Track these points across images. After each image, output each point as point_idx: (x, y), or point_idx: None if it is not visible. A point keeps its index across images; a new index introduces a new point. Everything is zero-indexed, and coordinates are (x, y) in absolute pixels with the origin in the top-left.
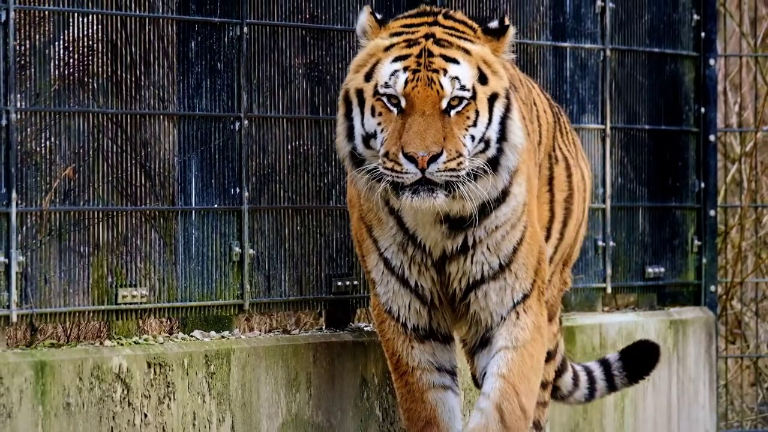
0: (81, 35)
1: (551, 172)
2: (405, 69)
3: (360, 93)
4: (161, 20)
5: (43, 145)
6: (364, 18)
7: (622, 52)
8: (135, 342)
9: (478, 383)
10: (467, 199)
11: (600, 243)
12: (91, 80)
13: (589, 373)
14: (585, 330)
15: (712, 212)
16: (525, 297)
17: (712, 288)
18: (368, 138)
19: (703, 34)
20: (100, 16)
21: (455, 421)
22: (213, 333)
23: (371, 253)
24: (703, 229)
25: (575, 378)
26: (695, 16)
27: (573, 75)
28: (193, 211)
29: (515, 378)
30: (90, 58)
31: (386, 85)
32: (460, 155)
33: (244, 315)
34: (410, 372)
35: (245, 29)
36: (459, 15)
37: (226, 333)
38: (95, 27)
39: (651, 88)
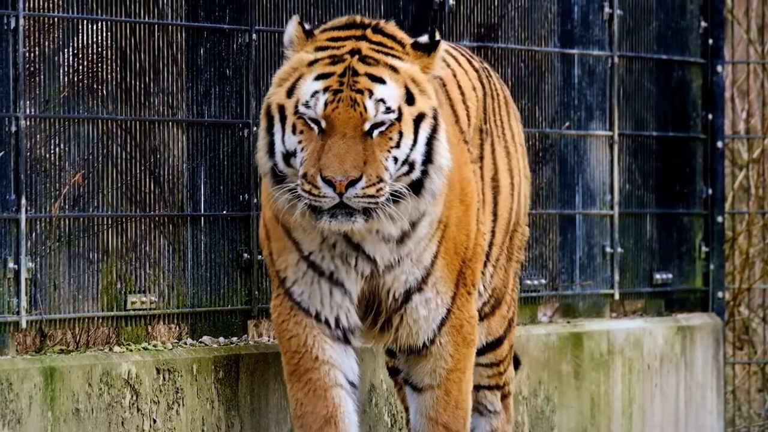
0: (90, 42)
1: (481, 150)
2: (326, 90)
3: (282, 109)
4: (170, 27)
5: (52, 151)
6: (292, 28)
7: (630, 58)
8: (144, 348)
9: (390, 370)
10: (386, 223)
11: (608, 249)
12: (100, 87)
13: None
14: (593, 336)
15: (719, 218)
16: (448, 312)
17: (720, 294)
18: (288, 156)
19: (710, 41)
20: (109, 23)
21: (353, 427)
22: (221, 339)
23: (290, 252)
24: (711, 235)
25: None
26: (702, 23)
27: (581, 82)
28: (202, 218)
29: (446, 418)
30: (99, 64)
31: (307, 105)
32: (381, 180)
33: (252, 321)
34: (317, 367)
35: (254, 36)
36: (390, 28)
37: (234, 339)
38: (104, 34)
39: (658, 95)
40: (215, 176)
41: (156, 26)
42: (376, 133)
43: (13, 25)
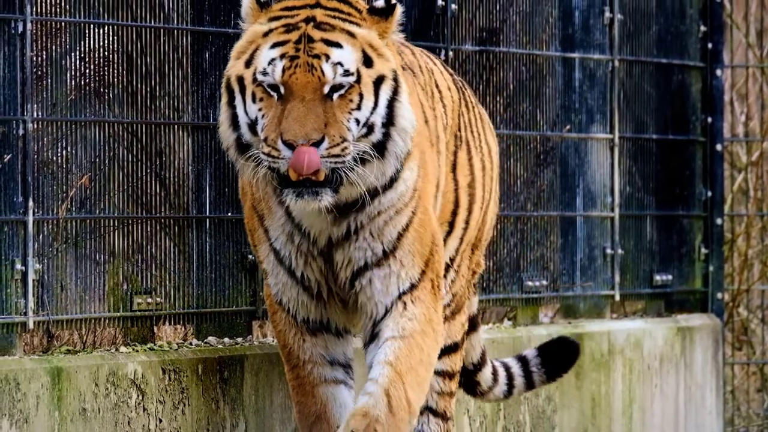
0: (97, 46)
1: (455, 157)
2: (282, 56)
3: (241, 80)
4: (176, 31)
5: (59, 154)
6: (246, 1)
7: (630, 62)
8: (150, 348)
9: None
10: (355, 185)
11: (608, 251)
12: (106, 90)
13: (507, 369)
14: (594, 337)
15: (718, 220)
16: (412, 286)
17: (719, 295)
18: (253, 125)
19: (710, 45)
20: (115, 27)
21: (346, 416)
22: (226, 339)
23: (262, 243)
24: (710, 237)
25: (494, 373)
26: (702, 28)
27: (582, 85)
28: (207, 220)
29: (402, 367)
30: (106, 68)
31: (264, 73)
32: (344, 140)
33: (257, 322)
34: (301, 365)
35: None
36: None
37: (239, 339)
38: (111, 38)
39: (659, 98)
40: (220, 179)
41: (162, 30)
42: (335, 96)
43: (20, 29)
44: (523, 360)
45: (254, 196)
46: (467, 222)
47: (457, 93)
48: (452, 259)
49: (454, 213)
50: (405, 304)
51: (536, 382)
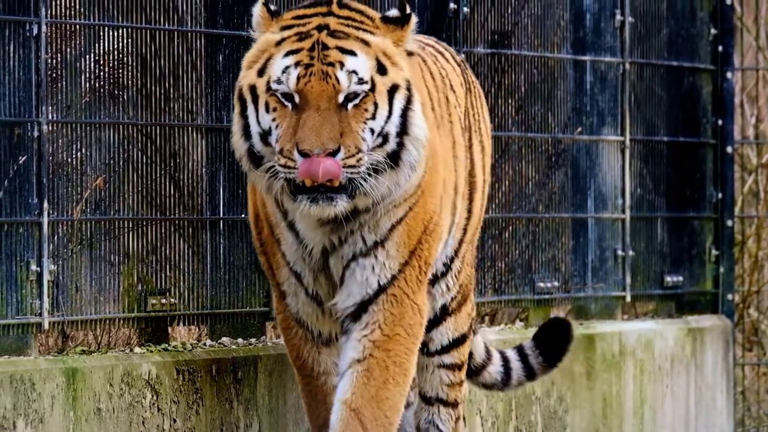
0: (111, 48)
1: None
2: (297, 64)
3: (253, 89)
4: (189, 34)
5: (74, 156)
6: (257, 10)
7: (641, 65)
8: (164, 349)
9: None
10: (370, 196)
11: (619, 252)
12: (121, 93)
13: (502, 353)
14: (605, 338)
15: (729, 222)
16: (393, 278)
17: (730, 296)
18: (265, 135)
19: (720, 48)
20: (129, 30)
21: None
22: (240, 340)
23: (282, 267)
24: (721, 238)
25: (487, 351)
26: (713, 31)
27: (593, 88)
28: (221, 221)
29: (359, 401)
30: (120, 71)
31: (278, 81)
32: (359, 150)
33: (270, 322)
34: (315, 376)
35: None
36: (356, 4)
37: (252, 340)
38: (125, 40)
39: (669, 101)
40: (234, 180)
41: (176, 33)
42: (350, 105)
43: (35, 31)
44: (519, 348)
45: (271, 222)
46: (470, 211)
47: (464, 83)
48: (456, 251)
49: (454, 203)
50: (377, 305)
51: (536, 368)
